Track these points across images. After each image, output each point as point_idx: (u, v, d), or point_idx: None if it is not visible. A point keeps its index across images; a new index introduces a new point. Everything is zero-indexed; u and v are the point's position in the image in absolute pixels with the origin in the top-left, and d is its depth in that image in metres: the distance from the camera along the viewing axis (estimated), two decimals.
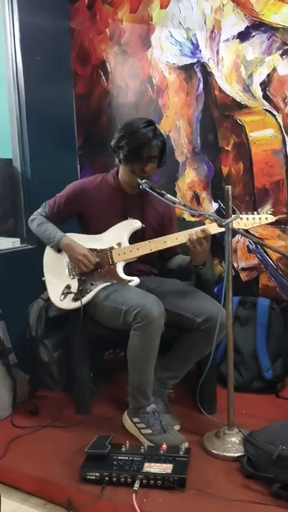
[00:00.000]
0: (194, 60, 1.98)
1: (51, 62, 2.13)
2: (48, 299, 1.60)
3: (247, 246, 1.95)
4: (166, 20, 2.01)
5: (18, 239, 2.02)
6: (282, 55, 1.78)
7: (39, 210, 1.65)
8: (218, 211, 2.00)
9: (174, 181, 2.08)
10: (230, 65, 1.90)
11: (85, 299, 1.50)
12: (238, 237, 1.92)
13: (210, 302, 1.45)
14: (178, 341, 1.49)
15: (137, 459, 1.23)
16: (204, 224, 1.66)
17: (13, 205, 2.07)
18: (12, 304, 1.77)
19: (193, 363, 1.51)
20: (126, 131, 1.46)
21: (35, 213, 1.65)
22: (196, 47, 1.97)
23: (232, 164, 1.95)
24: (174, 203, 1.44)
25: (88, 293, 1.51)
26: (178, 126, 2.05)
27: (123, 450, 1.27)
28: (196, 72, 1.98)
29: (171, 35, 2.01)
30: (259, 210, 1.90)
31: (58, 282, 1.56)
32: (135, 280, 1.49)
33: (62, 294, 1.53)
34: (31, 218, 1.65)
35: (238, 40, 1.86)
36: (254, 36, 1.82)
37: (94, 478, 1.20)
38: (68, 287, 1.54)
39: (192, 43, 1.97)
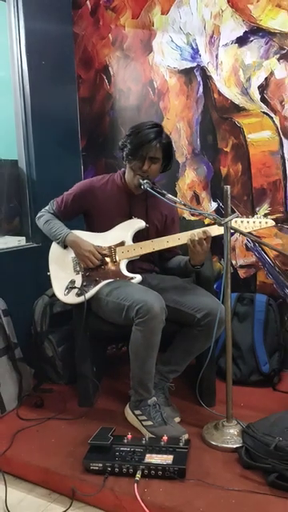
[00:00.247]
0: (194, 64, 2.01)
1: (55, 66, 2.16)
2: (52, 296, 1.62)
3: (245, 244, 1.98)
4: (166, 25, 2.04)
5: (24, 238, 2.05)
6: (279, 59, 1.81)
7: (47, 207, 1.67)
8: (217, 210, 2.02)
9: (175, 181, 2.10)
10: (229, 69, 1.93)
11: (88, 294, 1.52)
12: (236, 235, 1.94)
13: (210, 298, 1.46)
14: (178, 336, 1.51)
15: (138, 450, 1.24)
16: (203, 223, 1.70)
17: (18, 204, 2.09)
18: (17, 300, 1.80)
19: (193, 357, 1.53)
20: (132, 131, 1.50)
21: (43, 210, 1.68)
22: (196, 52, 2.00)
23: (231, 165, 1.98)
24: (175, 203, 1.46)
25: (92, 288, 1.53)
26: (178, 128, 2.08)
27: (125, 441, 1.29)
28: (196, 76, 2.02)
29: (172, 40, 2.04)
30: (257, 209, 1.92)
31: (63, 277, 1.58)
32: (138, 277, 1.51)
33: (66, 288, 1.55)
34: (39, 214, 1.67)
35: (236, 45, 1.89)
36: (252, 41, 1.85)
37: (96, 468, 1.22)
38: (72, 282, 1.56)
39: (192, 48, 2.01)
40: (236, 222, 1.41)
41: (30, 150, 2.04)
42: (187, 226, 1.75)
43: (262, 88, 1.87)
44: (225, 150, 1.98)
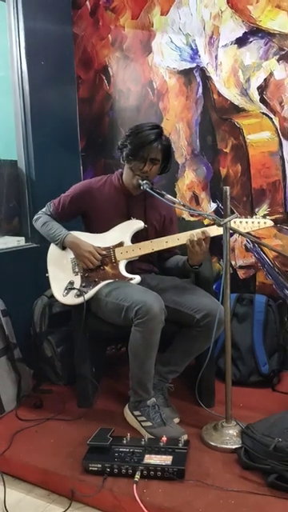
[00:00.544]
0: (194, 65, 2.01)
1: (55, 66, 2.16)
2: (52, 296, 1.61)
3: (245, 245, 1.98)
4: (166, 26, 2.04)
5: (23, 238, 2.05)
6: (278, 60, 1.82)
7: (44, 209, 1.67)
8: (216, 211, 2.02)
9: (174, 182, 2.11)
10: (228, 69, 1.93)
11: (87, 295, 1.52)
12: (235, 236, 1.95)
13: (209, 299, 1.46)
14: (177, 336, 1.51)
15: (137, 451, 1.24)
16: (203, 223, 1.70)
17: (18, 205, 2.09)
18: (17, 301, 1.80)
19: (192, 358, 1.53)
20: (132, 132, 1.50)
21: (40, 212, 1.68)
22: (195, 52, 2.00)
23: (230, 165, 1.98)
24: (174, 203, 1.46)
25: (91, 289, 1.53)
26: (177, 128, 2.09)
27: (124, 442, 1.29)
28: (195, 76, 2.02)
29: (171, 41, 2.05)
30: (256, 210, 1.93)
31: (62, 278, 1.58)
32: (137, 278, 1.51)
33: (65, 289, 1.55)
34: (36, 216, 1.67)
35: (236, 45, 1.89)
36: (251, 42, 1.86)
37: (96, 469, 1.22)
38: (71, 283, 1.56)
39: (191, 48, 2.01)
40: (235, 222, 1.41)
41: (30, 150, 2.05)
42: (186, 226, 1.75)
43: (262, 89, 1.87)
44: (224, 150, 1.99)
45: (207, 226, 1.54)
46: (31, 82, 2.03)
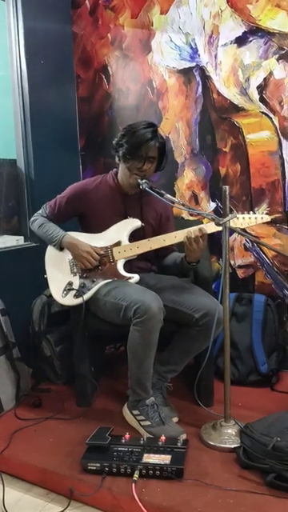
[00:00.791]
0: (193, 64, 2.01)
1: (54, 65, 2.16)
2: (50, 295, 1.62)
3: (244, 244, 1.98)
4: (166, 25, 2.04)
5: (22, 237, 2.05)
6: (278, 59, 1.81)
7: (40, 211, 1.67)
8: (215, 210, 2.02)
9: (173, 181, 2.11)
10: (228, 69, 1.93)
11: (86, 296, 1.52)
12: (234, 235, 1.95)
13: (208, 298, 1.47)
14: (176, 336, 1.51)
15: (136, 450, 1.25)
16: (202, 223, 1.70)
17: (17, 204, 2.10)
18: (16, 300, 1.80)
19: (191, 357, 1.53)
20: (127, 131, 1.50)
21: (36, 214, 1.68)
22: (195, 52, 2.00)
23: (229, 165, 1.98)
24: (173, 203, 1.47)
25: (89, 289, 1.53)
26: (177, 127, 2.09)
27: (123, 441, 1.29)
28: (195, 76, 2.02)
29: (171, 40, 2.05)
30: (256, 209, 1.93)
31: (60, 279, 1.58)
32: (135, 277, 1.51)
33: (64, 290, 1.55)
34: (32, 219, 1.67)
35: (235, 45, 1.89)
36: (251, 41, 1.86)
37: (94, 468, 1.22)
38: (70, 284, 1.56)
39: (191, 48, 2.01)
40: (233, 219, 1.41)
41: (29, 149, 2.05)
42: (186, 225, 1.74)
43: (261, 88, 1.87)
44: (224, 150, 1.99)
45: None
46: (31, 81, 2.03)
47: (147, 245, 1.52)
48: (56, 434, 1.45)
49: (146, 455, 1.23)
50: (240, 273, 2.00)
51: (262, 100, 1.88)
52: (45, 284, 1.63)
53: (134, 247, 1.53)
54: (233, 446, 1.32)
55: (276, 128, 1.86)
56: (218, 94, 1.97)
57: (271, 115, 1.87)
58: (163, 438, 1.30)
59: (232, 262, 2.00)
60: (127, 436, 1.31)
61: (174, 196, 2.06)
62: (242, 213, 1.43)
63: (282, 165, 1.86)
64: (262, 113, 1.88)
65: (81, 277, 1.57)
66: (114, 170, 1.62)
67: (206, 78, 1.99)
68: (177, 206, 1.51)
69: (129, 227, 1.56)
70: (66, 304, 1.56)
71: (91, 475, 1.22)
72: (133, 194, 1.58)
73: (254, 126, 1.90)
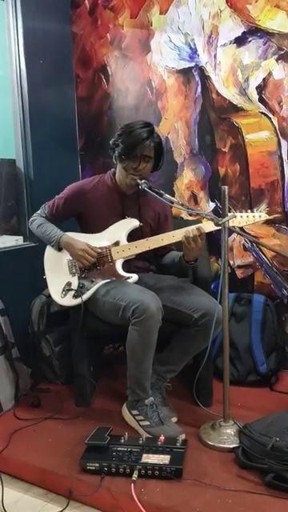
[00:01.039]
0: (192, 64, 2.01)
1: (54, 65, 2.16)
2: (50, 295, 1.62)
3: (243, 245, 1.98)
4: (165, 25, 2.04)
5: (21, 237, 2.05)
6: (277, 60, 1.82)
7: (39, 212, 1.67)
8: (214, 210, 2.02)
9: (173, 181, 2.11)
10: (227, 69, 1.93)
11: (85, 296, 1.52)
12: (234, 235, 1.95)
13: (207, 298, 1.47)
14: (175, 336, 1.51)
15: (135, 450, 1.25)
16: (201, 223, 1.70)
17: (16, 204, 2.10)
18: (15, 300, 1.80)
19: (190, 357, 1.53)
20: (124, 131, 1.50)
21: (35, 214, 1.68)
22: (194, 52, 2.00)
23: (229, 165, 1.98)
24: (173, 203, 1.47)
25: (88, 290, 1.53)
26: (176, 128, 2.09)
27: (122, 441, 1.29)
28: (194, 76, 2.02)
29: (170, 40, 2.05)
30: (255, 209, 1.92)
31: (59, 279, 1.58)
32: (134, 277, 1.51)
33: (63, 291, 1.55)
34: (31, 219, 1.68)
35: (234, 45, 1.90)
36: (250, 41, 1.86)
37: (93, 468, 1.22)
38: (69, 284, 1.56)
39: (190, 48, 2.01)
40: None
41: (28, 149, 2.05)
42: (185, 225, 1.74)
43: (260, 88, 1.88)
44: (223, 150, 1.99)
45: None
46: (30, 80, 2.03)
47: (146, 244, 1.52)
48: (55, 434, 1.46)
49: (145, 455, 1.23)
50: (239, 273, 2.01)
51: (261, 100, 1.88)
52: (44, 284, 1.63)
53: (133, 247, 1.53)
54: (232, 446, 1.32)
55: (275, 128, 1.86)
56: (218, 94, 1.97)
57: (270, 115, 1.87)
58: (162, 438, 1.30)
59: (231, 262, 2.00)
60: (126, 436, 1.31)
61: (173, 196, 2.06)
62: (240, 211, 1.43)
63: (281, 165, 1.87)
64: (261, 113, 1.88)
65: (79, 277, 1.57)
66: (112, 169, 1.62)
67: (205, 78, 1.99)
68: (176, 206, 1.51)
69: (127, 227, 1.56)
70: (65, 304, 1.56)
71: (90, 475, 1.22)
72: (131, 193, 1.58)
73: (253, 126, 1.90)
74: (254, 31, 1.85)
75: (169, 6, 2.03)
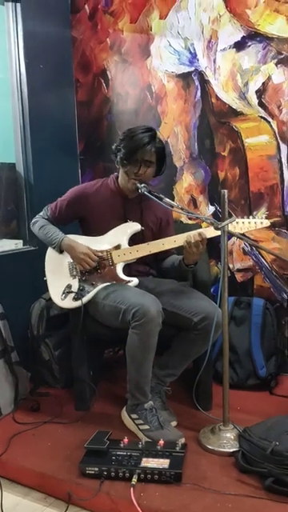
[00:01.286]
0: (192, 69, 2.02)
1: (54, 70, 2.17)
2: (49, 299, 1.62)
3: (242, 248, 1.98)
4: (164, 30, 2.05)
5: (21, 241, 2.06)
6: (276, 64, 1.82)
7: (41, 213, 1.68)
8: (214, 214, 2.03)
9: (172, 185, 2.11)
10: (227, 73, 1.94)
11: (85, 299, 1.52)
12: (233, 239, 1.95)
13: (207, 302, 1.47)
14: (175, 339, 1.51)
15: (135, 454, 1.24)
16: (201, 226, 1.70)
17: (16, 208, 2.10)
18: (14, 304, 1.80)
19: (190, 361, 1.53)
20: (126, 135, 1.51)
21: (37, 216, 1.68)
22: (194, 56, 2.01)
23: (228, 169, 1.99)
24: (172, 206, 1.47)
25: (88, 292, 1.53)
26: (176, 132, 2.10)
27: (121, 445, 1.29)
28: (194, 80, 2.03)
29: (170, 45, 2.06)
30: (254, 213, 1.93)
31: (59, 281, 1.58)
32: (134, 280, 1.52)
33: (63, 293, 1.56)
34: (33, 220, 1.68)
35: (234, 49, 1.90)
36: (249, 46, 1.87)
37: (93, 472, 1.22)
38: (69, 287, 1.56)
39: (190, 52, 2.02)
40: (232, 223, 1.41)
41: (28, 153, 2.06)
42: (184, 229, 1.75)
43: (260, 93, 1.88)
44: (222, 154, 2.00)
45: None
46: (30, 84, 2.04)
47: (147, 249, 1.52)
48: (54, 438, 1.45)
49: (144, 459, 1.23)
50: (239, 276, 2.01)
51: (261, 104, 1.88)
52: (44, 288, 1.63)
53: (134, 251, 1.53)
54: (231, 450, 1.32)
55: (274, 132, 1.87)
56: (217, 98, 1.98)
57: (270, 119, 1.87)
58: (162, 442, 1.29)
59: (231, 266, 2.00)
60: (126, 440, 1.31)
61: (173, 200, 2.06)
62: (242, 217, 1.44)
63: (281, 169, 1.87)
64: (261, 117, 1.89)
65: (80, 280, 1.57)
66: (115, 173, 1.63)
67: (204, 82, 2.00)
68: (176, 209, 1.51)
69: (128, 231, 1.57)
70: (64, 307, 1.56)
71: (89, 479, 1.22)
72: (133, 197, 1.59)
73: (253, 130, 1.91)
74: (253, 36, 1.86)
75: (168, 10, 2.04)
